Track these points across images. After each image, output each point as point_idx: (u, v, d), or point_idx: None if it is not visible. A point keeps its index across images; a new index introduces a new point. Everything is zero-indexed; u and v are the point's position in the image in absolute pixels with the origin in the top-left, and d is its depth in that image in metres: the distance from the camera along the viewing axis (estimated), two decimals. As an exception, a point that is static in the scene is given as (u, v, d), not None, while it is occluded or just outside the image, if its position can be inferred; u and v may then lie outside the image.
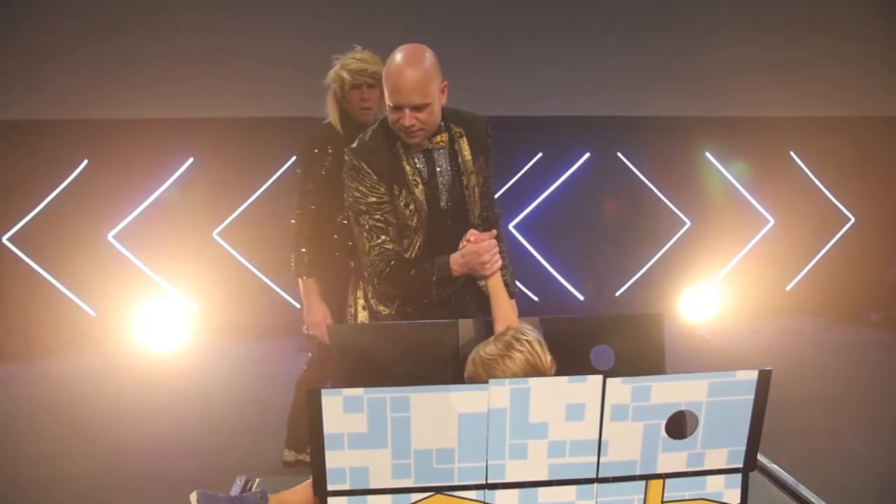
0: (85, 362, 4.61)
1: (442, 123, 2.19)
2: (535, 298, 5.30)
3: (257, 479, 1.93)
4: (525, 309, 5.29)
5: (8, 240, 4.86)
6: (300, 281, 2.79)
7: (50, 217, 4.87)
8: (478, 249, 2.04)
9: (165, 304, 4.92)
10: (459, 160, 2.23)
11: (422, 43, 2.12)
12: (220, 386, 4.17)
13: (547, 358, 1.83)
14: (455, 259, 2.10)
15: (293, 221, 2.80)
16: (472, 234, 2.10)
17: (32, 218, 4.87)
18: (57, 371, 4.47)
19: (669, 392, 1.48)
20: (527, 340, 1.84)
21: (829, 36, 5.25)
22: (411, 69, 2.02)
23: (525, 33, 5.11)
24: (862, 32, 5.20)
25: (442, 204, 2.22)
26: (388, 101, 2.08)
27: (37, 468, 3.16)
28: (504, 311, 2.06)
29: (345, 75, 2.71)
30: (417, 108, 2.04)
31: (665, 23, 5.13)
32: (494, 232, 2.12)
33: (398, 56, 2.05)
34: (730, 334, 5.06)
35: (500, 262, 2.08)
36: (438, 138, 2.18)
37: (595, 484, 1.51)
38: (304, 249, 2.77)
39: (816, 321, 5.35)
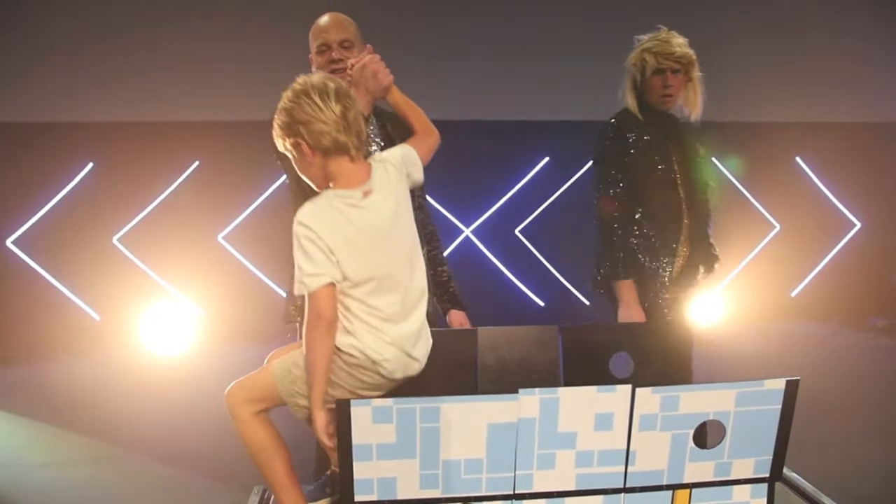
0: (89, 366, 4.58)
1: None
2: (541, 303, 5.29)
3: (275, 488, 1.90)
4: (531, 314, 5.33)
5: (12, 243, 4.83)
6: (617, 284, 2.46)
7: (54, 220, 4.84)
8: (363, 63, 2.00)
9: (170, 308, 4.89)
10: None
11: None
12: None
13: (335, 107, 1.67)
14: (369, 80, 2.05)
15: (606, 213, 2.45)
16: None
17: (37, 221, 4.84)
18: (60, 375, 4.43)
19: (698, 402, 1.48)
20: (302, 92, 1.69)
21: (834, 41, 5.25)
22: (334, 14, 2.26)
23: (529, 38, 5.10)
24: (868, 37, 5.20)
25: None
26: (314, 49, 2.25)
27: (39, 474, 3.13)
28: (413, 120, 2.03)
29: (647, 58, 2.48)
30: (344, 48, 2.19)
31: (670, 27, 5.12)
32: (370, 47, 2.10)
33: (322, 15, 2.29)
34: (736, 340, 5.05)
35: (390, 74, 2.03)
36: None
37: (622, 494, 1.50)
38: (619, 253, 2.46)
39: (822, 327, 5.33)
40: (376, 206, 1.73)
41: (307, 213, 1.67)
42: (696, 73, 2.53)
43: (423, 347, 1.79)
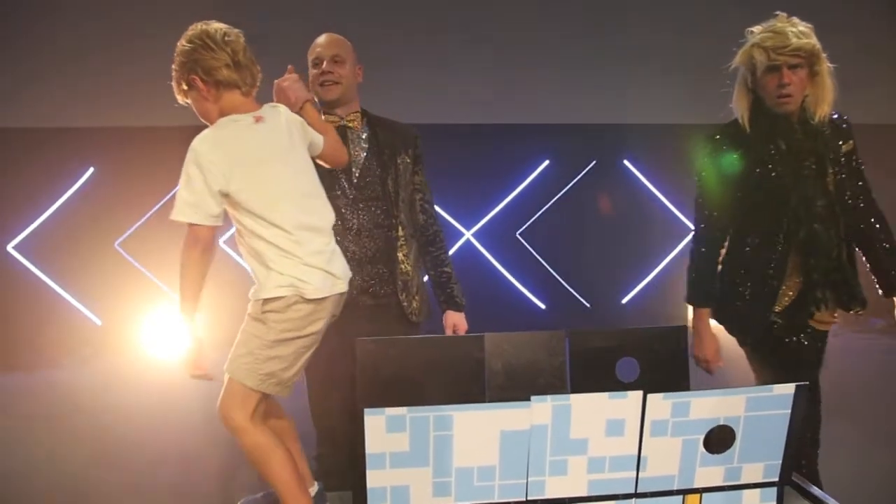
0: (90, 371, 4.58)
1: (362, 110, 2.47)
2: (542, 306, 5.29)
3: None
4: (532, 317, 5.33)
5: (13, 248, 4.83)
6: (693, 309, 2.29)
7: (55, 225, 4.85)
8: (278, 82, 2.14)
9: (171, 312, 4.88)
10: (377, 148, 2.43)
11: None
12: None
13: (226, 48, 1.84)
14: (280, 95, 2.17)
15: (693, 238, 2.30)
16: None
17: (38, 226, 4.84)
18: (62, 380, 4.43)
19: (708, 407, 1.48)
20: (195, 36, 1.86)
21: (836, 40, 5.24)
22: (330, 34, 2.47)
23: (530, 39, 5.11)
24: (871, 37, 5.21)
25: (354, 180, 2.38)
26: (309, 62, 2.43)
27: (42, 480, 3.12)
28: (318, 124, 2.11)
29: (757, 55, 2.13)
30: (335, 62, 2.38)
31: (671, 29, 5.14)
32: (291, 67, 2.23)
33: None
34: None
35: (303, 92, 2.12)
36: (352, 117, 2.43)
37: (633, 499, 1.51)
38: (693, 275, 2.29)
39: (823, 327, 5.34)
40: (268, 131, 1.85)
41: (199, 137, 1.78)
42: (825, 66, 2.18)
43: (339, 265, 1.89)
